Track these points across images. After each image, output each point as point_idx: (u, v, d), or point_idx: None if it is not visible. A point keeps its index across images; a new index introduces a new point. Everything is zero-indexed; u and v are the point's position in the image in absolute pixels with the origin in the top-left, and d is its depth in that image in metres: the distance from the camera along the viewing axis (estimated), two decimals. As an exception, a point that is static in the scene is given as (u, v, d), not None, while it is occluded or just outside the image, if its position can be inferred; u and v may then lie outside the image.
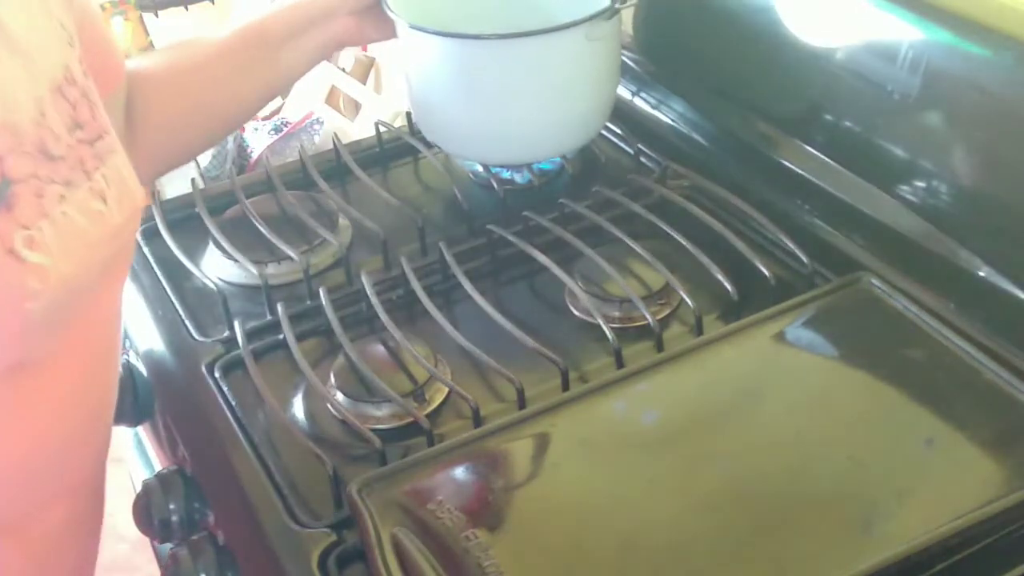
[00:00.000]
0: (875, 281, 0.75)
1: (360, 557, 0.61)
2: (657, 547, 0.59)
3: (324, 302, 0.80)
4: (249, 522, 0.68)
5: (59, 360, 0.63)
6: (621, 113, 1.04)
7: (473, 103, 0.92)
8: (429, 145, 1.00)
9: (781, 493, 0.62)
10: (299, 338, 0.78)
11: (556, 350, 0.74)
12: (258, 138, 1.50)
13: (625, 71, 1.08)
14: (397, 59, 1.16)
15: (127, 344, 0.89)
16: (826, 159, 0.88)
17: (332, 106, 1.62)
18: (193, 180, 1.00)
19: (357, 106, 1.61)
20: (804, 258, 0.81)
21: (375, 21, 0.92)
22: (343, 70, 1.62)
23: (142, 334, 0.86)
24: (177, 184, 1.33)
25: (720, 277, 0.79)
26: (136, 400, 0.88)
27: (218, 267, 0.90)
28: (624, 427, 0.68)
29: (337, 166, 1.02)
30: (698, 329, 0.77)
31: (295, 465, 0.71)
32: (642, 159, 1.00)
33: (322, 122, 1.54)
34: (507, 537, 0.60)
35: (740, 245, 0.82)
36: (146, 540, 0.86)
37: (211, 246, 0.92)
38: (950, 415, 0.65)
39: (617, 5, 0.88)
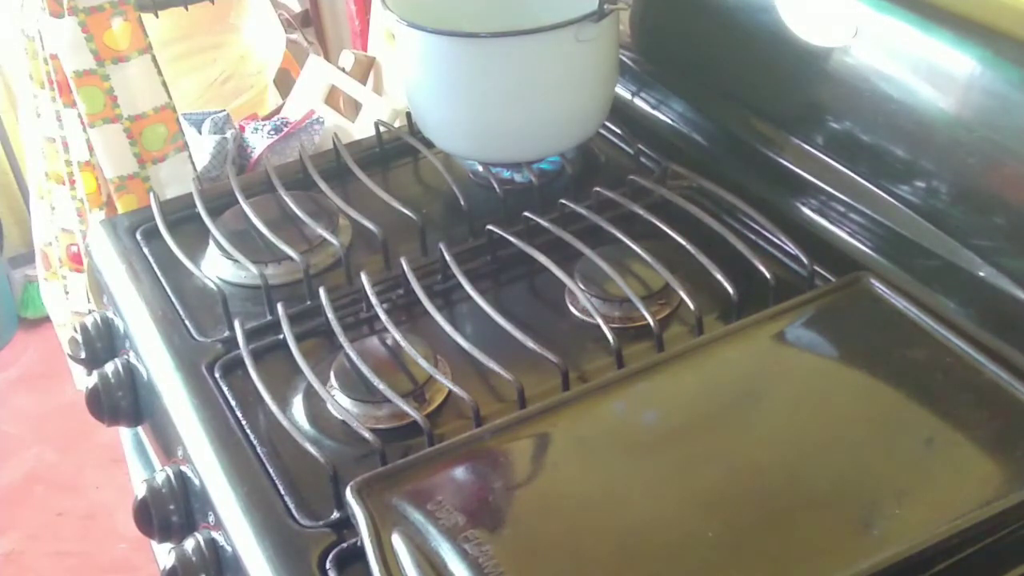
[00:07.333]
0: (875, 281, 0.75)
1: (360, 557, 0.61)
2: (657, 547, 0.59)
3: (324, 302, 0.80)
4: (249, 522, 0.68)
5: None
6: (621, 113, 1.04)
7: (466, 100, 0.92)
8: (429, 145, 1.00)
9: (781, 493, 0.62)
10: (299, 338, 0.78)
11: (556, 350, 0.74)
12: (258, 138, 1.50)
13: (625, 71, 1.08)
14: (396, 58, 1.16)
15: (127, 344, 0.89)
16: (826, 159, 0.88)
17: (332, 106, 1.62)
18: (193, 180, 1.00)
19: (357, 106, 1.60)
20: (804, 258, 0.81)
21: None
22: (343, 70, 1.62)
23: (142, 334, 0.86)
24: (177, 184, 1.33)
25: (720, 277, 0.79)
26: (136, 400, 0.88)
27: (218, 267, 0.90)
28: (624, 427, 0.68)
29: (337, 166, 1.02)
30: (698, 329, 0.77)
31: (295, 465, 0.71)
32: (642, 159, 1.00)
33: (322, 122, 1.54)
34: (507, 537, 0.60)
35: (740, 245, 0.82)
36: (146, 540, 0.86)
37: (211, 246, 0.92)
38: (950, 415, 0.65)
39: (606, 7, 0.88)
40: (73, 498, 1.79)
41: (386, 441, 0.69)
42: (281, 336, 0.80)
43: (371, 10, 1.68)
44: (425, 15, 0.91)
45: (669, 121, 1.05)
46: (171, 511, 0.76)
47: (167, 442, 0.81)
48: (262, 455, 0.72)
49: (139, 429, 0.94)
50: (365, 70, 1.65)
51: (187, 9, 1.65)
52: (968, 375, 0.68)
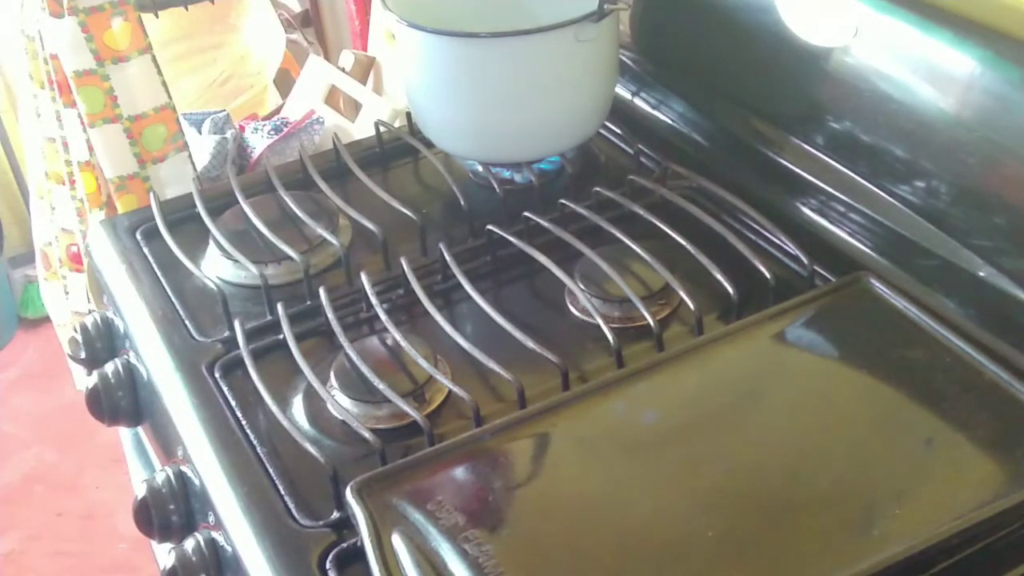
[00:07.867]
0: (875, 281, 0.75)
1: (360, 557, 0.61)
2: (657, 547, 0.59)
3: (324, 302, 0.80)
4: (249, 522, 0.68)
5: None
6: (621, 113, 1.04)
7: (466, 100, 0.92)
8: (429, 145, 1.00)
9: (781, 493, 0.62)
10: (299, 338, 0.78)
11: (556, 350, 0.74)
12: (258, 138, 1.50)
13: (625, 71, 1.08)
14: (396, 58, 1.16)
15: (127, 344, 0.89)
16: (826, 159, 0.88)
17: (332, 106, 1.62)
18: (193, 180, 1.00)
19: (357, 106, 1.60)
20: (804, 258, 0.81)
21: None
22: (343, 70, 1.62)
23: (142, 334, 0.86)
24: (177, 184, 1.33)
25: (720, 277, 0.79)
26: (136, 400, 0.88)
27: (218, 267, 0.90)
28: (624, 427, 0.68)
29: (337, 166, 1.02)
30: (698, 329, 0.77)
31: (295, 465, 0.71)
32: (642, 159, 1.00)
33: (322, 122, 1.54)
34: (507, 537, 0.60)
35: (740, 245, 0.82)
36: (146, 540, 0.86)
37: (211, 246, 0.92)
38: (950, 415, 0.65)
39: (606, 7, 0.88)
40: (73, 498, 1.79)
41: (386, 441, 0.69)
42: (281, 336, 0.80)
43: (371, 10, 1.68)
44: (425, 15, 0.91)
45: (669, 121, 1.05)
46: (171, 511, 0.76)
47: (167, 442, 0.81)
48: (262, 455, 0.72)
49: (139, 429, 0.94)
50: (365, 70, 1.65)
51: (187, 9, 1.64)
52: (968, 375, 0.68)
